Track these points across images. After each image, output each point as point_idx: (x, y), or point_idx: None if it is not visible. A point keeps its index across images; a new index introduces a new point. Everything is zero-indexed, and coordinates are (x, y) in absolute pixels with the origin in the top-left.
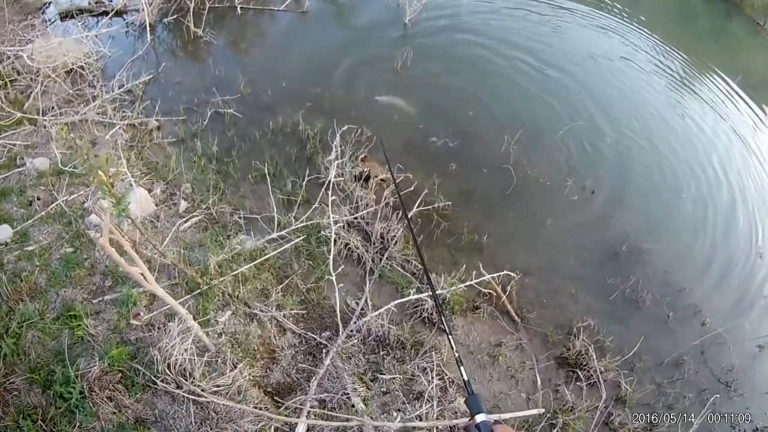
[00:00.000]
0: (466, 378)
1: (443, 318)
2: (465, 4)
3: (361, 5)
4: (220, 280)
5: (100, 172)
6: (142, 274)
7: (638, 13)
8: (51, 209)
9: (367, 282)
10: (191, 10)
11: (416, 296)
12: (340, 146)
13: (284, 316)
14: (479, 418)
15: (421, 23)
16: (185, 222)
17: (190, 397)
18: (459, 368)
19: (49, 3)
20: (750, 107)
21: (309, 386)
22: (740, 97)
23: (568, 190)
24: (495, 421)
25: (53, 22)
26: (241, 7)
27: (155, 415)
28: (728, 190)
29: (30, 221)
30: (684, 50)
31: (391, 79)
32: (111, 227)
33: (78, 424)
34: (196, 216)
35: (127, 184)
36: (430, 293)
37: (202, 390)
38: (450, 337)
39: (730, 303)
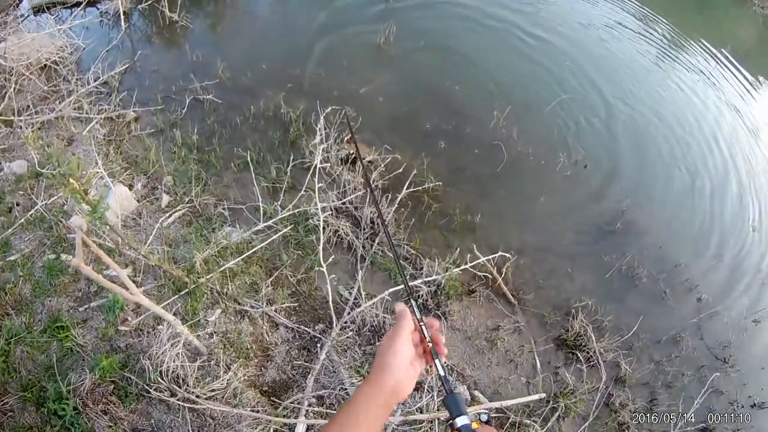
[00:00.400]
0: (442, 373)
1: (413, 302)
2: None
3: None
4: (208, 277)
5: (71, 180)
6: (125, 286)
7: None
8: (31, 215)
9: (359, 270)
10: None
11: (411, 283)
12: (325, 128)
13: (275, 310)
14: (460, 421)
15: None
16: (168, 217)
17: (185, 404)
18: (434, 362)
19: None
20: (741, 77)
21: (305, 383)
22: (731, 67)
23: (561, 165)
24: (479, 421)
25: (26, 17)
26: None
27: (151, 425)
28: (725, 164)
29: (11, 229)
30: (671, 20)
31: (374, 56)
32: (86, 240)
33: None
34: (179, 210)
35: (104, 184)
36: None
37: (197, 396)
38: (422, 325)
39: (725, 278)
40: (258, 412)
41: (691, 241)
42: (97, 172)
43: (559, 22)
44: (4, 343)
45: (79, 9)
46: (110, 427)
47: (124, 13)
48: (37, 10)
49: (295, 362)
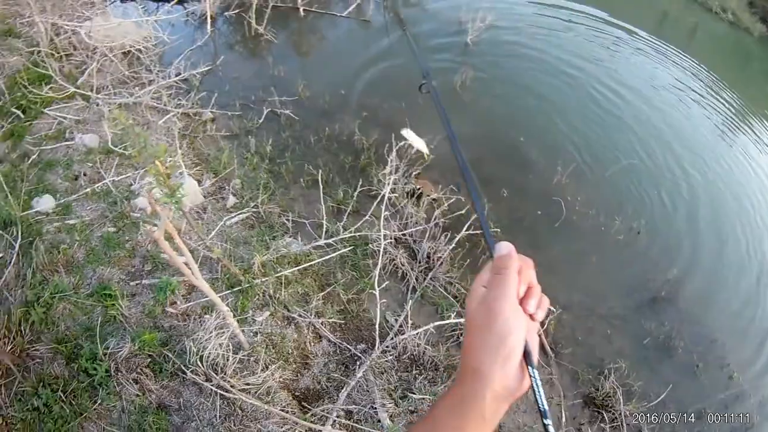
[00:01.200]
0: (545, 407)
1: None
2: (527, 27)
3: (423, 21)
4: (263, 280)
5: (157, 162)
6: (189, 268)
7: (692, 47)
8: (97, 187)
9: (409, 300)
10: (254, 6)
11: (456, 320)
12: (395, 161)
13: (322, 323)
14: None
15: (482, 44)
16: (232, 217)
17: (219, 391)
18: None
19: None
20: None
21: (338, 396)
22: None
23: (616, 228)
24: None
25: (113, 2)
26: (304, 9)
27: (179, 404)
28: None
29: (74, 196)
30: (739, 91)
31: (450, 98)
32: (169, 226)
33: (100, 401)
34: (244, 213)
35: (179, 173)
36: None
37: (232, 386)
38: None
39: (759, 359)
40: (287, 413)
41: (732, 318)
42: (175, 161)
43: (632, 81)
44: (48, 296)
45: (167, 5)
46: (138, 396)
47: (211, 16)
48: None
49: (331, 375)
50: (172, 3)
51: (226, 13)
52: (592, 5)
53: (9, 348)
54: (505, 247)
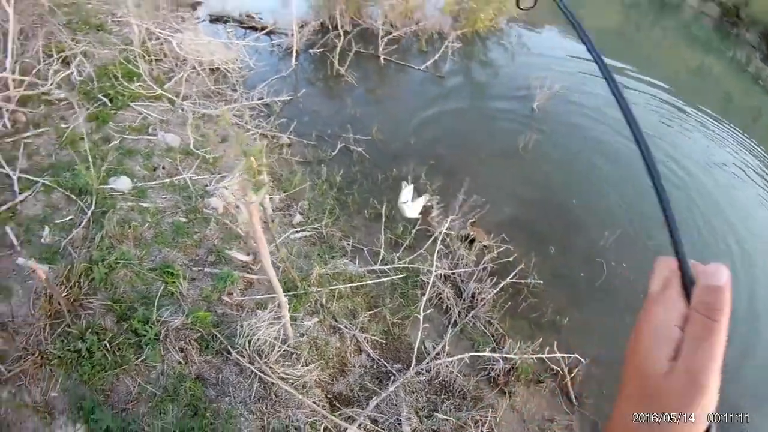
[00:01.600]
0: None
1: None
2: (592, 95)
3: (495, 82)
4: (317, 289)
5: (252, 158)
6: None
7: (755, 129)
8: (175, 180)
9: (449, 331)
10: (338, 48)
11: (491, 354)
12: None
13: (365, 338)
14: None
15: (548, 110)
16: (297, 232)
17: (259, 373)
18: None
19: (201, 2)
20: None
21: (368, 404)
22: None
23: None
24: None
25: (203, 21)
26: (384, 59)
27: (218, 379)
28: None
29: (151, 183)
30: None
31: (512, 158)
32: (254, 212)
33: (143, 358)
34: (308, 231)
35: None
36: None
37: (273, 372)
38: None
39: None
40: (318, 406)
41: (761, 394)
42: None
43: (692, 156)
44: (113, 260)
45: (256, 33)
46: (180, 363)
47: (296, 51)
48: (214, 20)
49: (365, 385)
50: (261, 33)
51: (310, 50)
52: (658, 79)
53: (65, 294)
54: (722, 275)
